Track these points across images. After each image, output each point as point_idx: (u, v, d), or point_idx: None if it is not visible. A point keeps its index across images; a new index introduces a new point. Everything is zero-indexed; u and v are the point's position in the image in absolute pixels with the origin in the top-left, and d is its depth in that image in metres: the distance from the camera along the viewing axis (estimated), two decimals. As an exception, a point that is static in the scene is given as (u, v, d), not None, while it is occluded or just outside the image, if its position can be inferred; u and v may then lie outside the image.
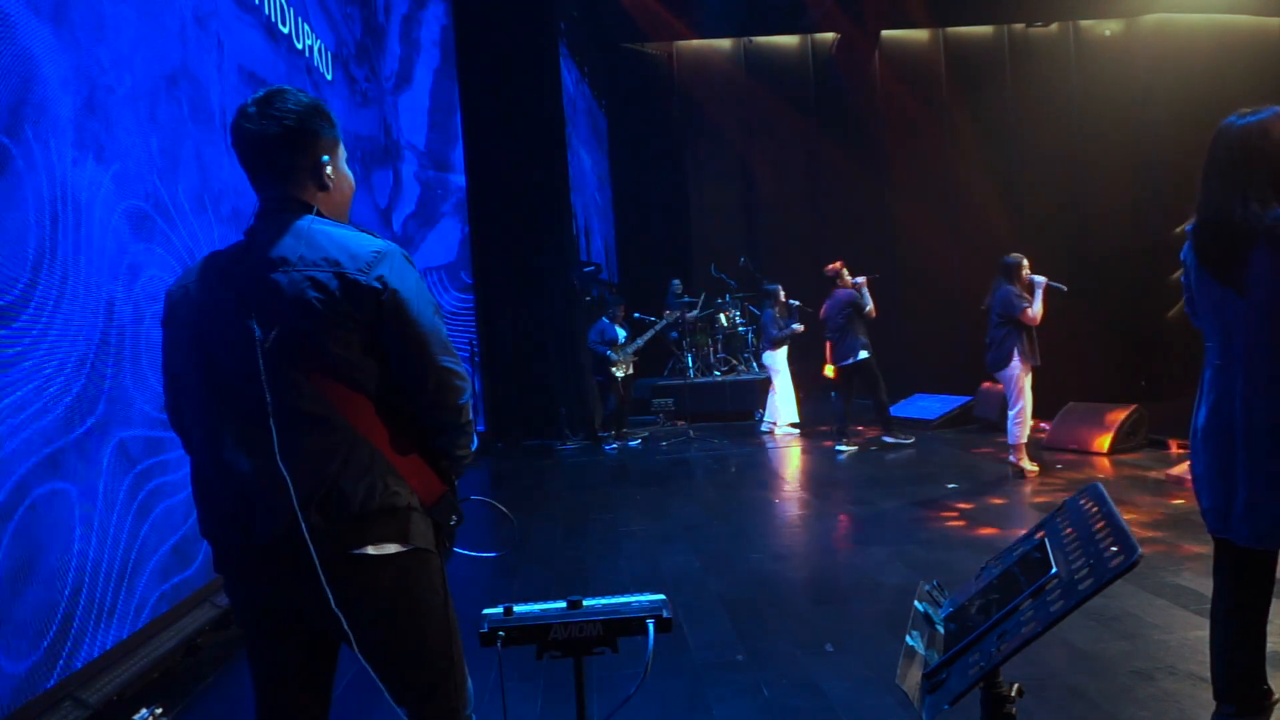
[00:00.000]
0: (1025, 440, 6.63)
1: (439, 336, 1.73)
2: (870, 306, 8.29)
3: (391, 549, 1.69)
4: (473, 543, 1.97)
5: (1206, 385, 2.70)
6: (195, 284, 1.76)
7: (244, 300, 1.68)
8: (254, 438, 1.68)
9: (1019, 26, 13.72)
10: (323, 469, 1.65)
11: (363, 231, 1.79)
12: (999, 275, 6.61)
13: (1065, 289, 6.59)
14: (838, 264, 8.55)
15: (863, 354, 8.19)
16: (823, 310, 8.53)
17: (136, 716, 3.09)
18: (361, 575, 1.67)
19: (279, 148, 1.75)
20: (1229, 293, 2.58)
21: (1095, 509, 1.60)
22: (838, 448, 8.30)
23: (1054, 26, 13.71)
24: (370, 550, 1.68)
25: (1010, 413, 6.61)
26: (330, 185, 1.82)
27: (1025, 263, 6.61)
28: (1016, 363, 6.45)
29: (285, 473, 1.64)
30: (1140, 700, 2.95)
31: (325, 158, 1.80)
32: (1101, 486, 1.67)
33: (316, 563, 1.62)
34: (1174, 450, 7.19)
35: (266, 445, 1.65)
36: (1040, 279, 6.54)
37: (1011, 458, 6.69)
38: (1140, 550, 1.35)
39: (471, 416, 1.81)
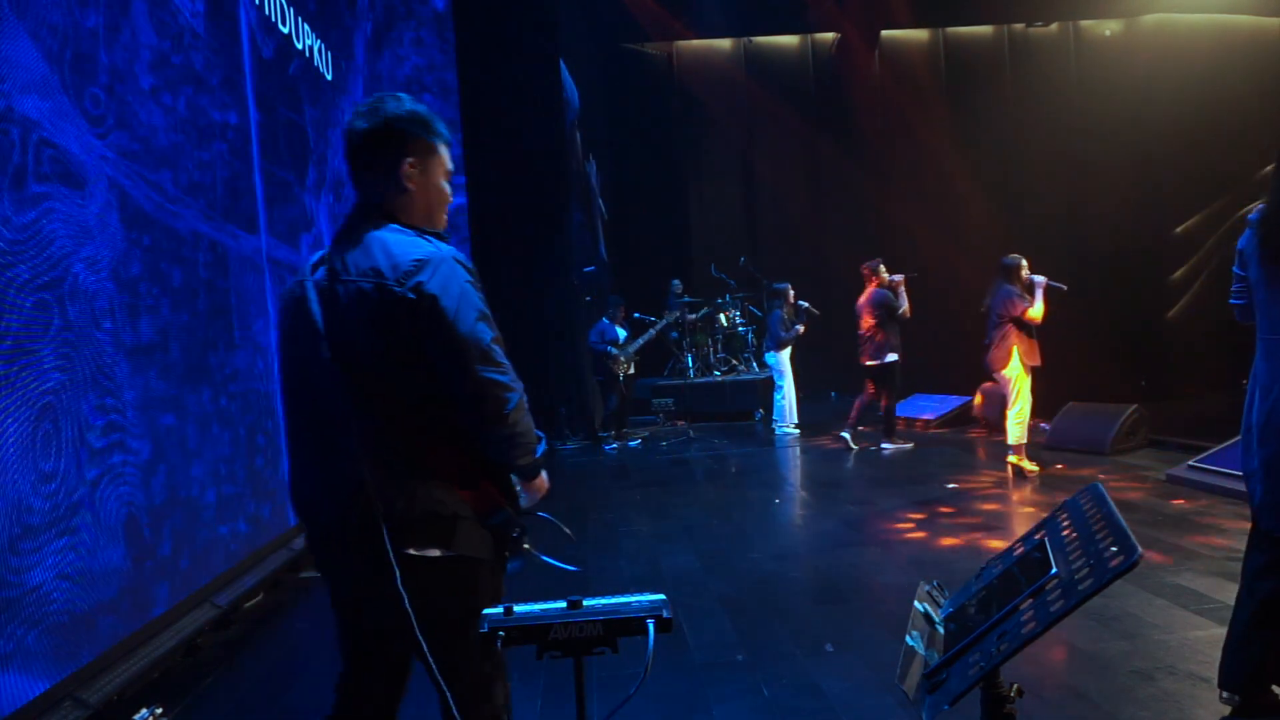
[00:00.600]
0: (1025, 440, 6.64)
1: (479, 345, 1.70)
2: (905, 307, 8.16)
3: (434, 553, 1.72)
4: (553, 553, 1.98)
5: (1265, 379, 2.62)
6: (295, 284, 1.85)
7: (314, 306, 1.76)
8: (314, 436, 1.79)
9: (1019, 26, 13.72)
10: (365, 473, 1.68)
11: (425, 237, 1.80)
12: (998, 276, 6.63)
13: (1065, 288, 6.60)
14: (876, 261, 8.44)
15: (891, 356, 8.13)
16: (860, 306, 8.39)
17: (136, 716, 3.09)
18: (404, 575, 1.68)
19: (364, 146, 1.82)
20: None
21: (1095, 509, 1.60)
22: (882, 445, 8.24)
23: (1054, 26, 13.70)
24: (412, 551, 1.71)
25: (1010, 413, 6.61)
26: (410, 189, 1.83)
27: (1024, 263, 6.62)
28: (1016, 362, 6.46)
29: (335, 473, 1.72)
30: (1140, 700, 2.95)
31: (409, 159, 1.82)
32: (1101, 486, 1.67)
33: (362, 558, 1.70)
34: (1175, 449, 7.17)
35: (322, 444, 1.76)
36: (1040, 278, 6.54)
37: (1011, 458, 6.69)
38: (1140, 550, 1.35)
39: (525, 426, 1.77)
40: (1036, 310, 6.41)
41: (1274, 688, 2.59)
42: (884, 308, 8.12)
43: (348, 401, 1.71)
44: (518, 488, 1.91)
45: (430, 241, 1.78)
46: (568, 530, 1.99)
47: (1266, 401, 2.58)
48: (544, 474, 1.93)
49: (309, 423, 1.82)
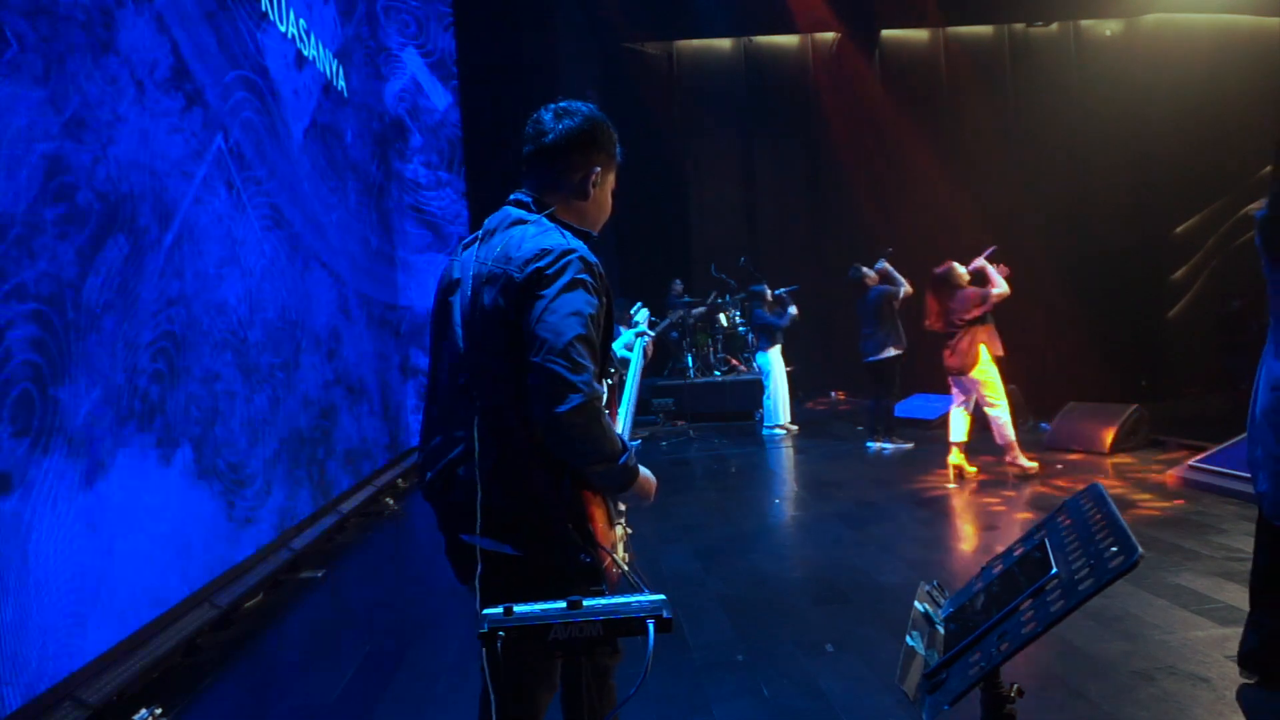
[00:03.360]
0: (1015, 437, 6.61)
1: (558, 336, 1.67)
2: (905, 287, 8.15)
3: (506, 549, 1.75)
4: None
5: (1268, 370, 2.65)
6: (451, 261, 1.94)
7: (455, 281, 1.87)
8: (433, 409, 1.88)
9: (1019, 26, 13.71)
10: (451, 454, 1.78)
11: (564, 232, 1.82)
12: (939, 289, 6.59)
13: (996, 248, 6.62)
14: (857, 268, 8.46)
15: (890, 351, 8.13)
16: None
17: (136, 716, 3.10)
18: (483, 561, 1.74)
19: (560, 146, 1.89)
20: None
21: (1095, 509, 1.60)
22: (882, 445, 8.24)
23: (1054, 26, 13.69)
24: (486, 545, 1.75)
25: (994, 413, 6.53)
26: (590, 193, 1.92)
27: (956, 265, 6.60)
28: (986, 358, 6.42)
29: (439, 446, 1.82)
30: (1140, 700, 2.95)
31: (597, 167, 1.91)
32: (1101, 486, 1.67)
33: (452, 536, 1.80)
34: (1175, 449, 7.17)
35: (439, 420, 1.84)
36: (979, 261, 6.54)
37: (1007, 458, 6.67)
38: (1140, 550, 1.35)
39: (588, 431, 1.67)
40: (1001, 288, 6.36)
41: None
42: (888, 303, 8.14)
43: (465, 383, 1.78)
44: (618, 515, 1.88)
45: (565, 236, 1.80)
46: (644, 588, 1.94)
47: (1271, 393, 2.61)
48: (644, 481, 1.85)
49: (444, 395, 1.87)
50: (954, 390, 6.82)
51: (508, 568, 1.75)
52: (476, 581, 1.70)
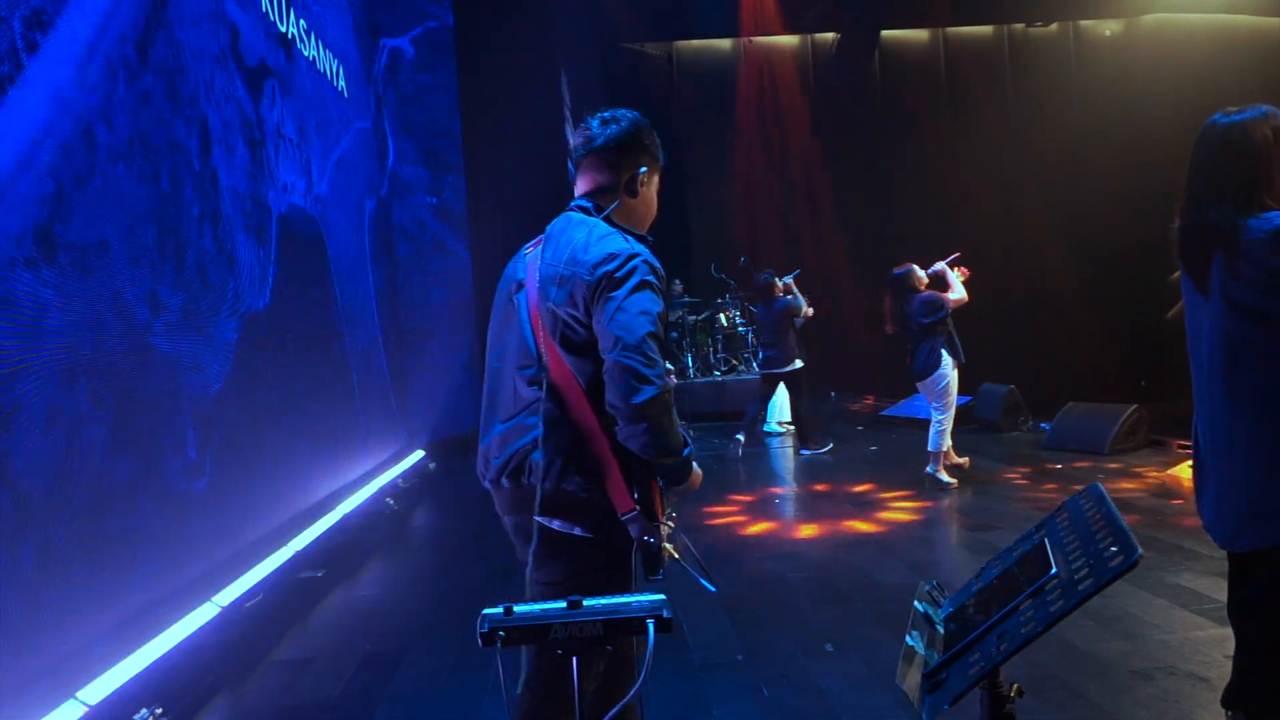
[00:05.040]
0: (948, 448, 6.49)
1: (631, 333, 1.79)
2: (805, 307, 8.27)
3: (576, 531, 1.87)
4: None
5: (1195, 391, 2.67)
6: (514, 262, 2.08)
7: (519, 281, 2.00)
8: (495, 400, 2.00)
9: (1019, 26, 13.73)
10: (522, 441, 1.89)
11: (627, 237, 1.93)
12: (895, 291, 6.46)
13: (959, 254, 6.53)
14: (769, 273, 8.47)
15: (798, 364, 8.14)
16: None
17: (136, 716, 3.10)
18: (543, 544, 1.87)
19: (610, 149, 2.03)
20: (1199, 297, 2.54)
21: (1095, 509, 1.60)
22: (801, 450, 8.30)
23: (1054, 26, 13.71)
24: (556, 525, 1.87)
25: (938, 418, 6.33)
26: (639, 193, 2.07)
27: (915, 267, 6.46)
28: (948, 362, 6.23)
29: (499, 435, 1.94)
30: (1140, 700, 2.95)
31: (644, 169, 2.07)
32: (1101, 486, 1.67)
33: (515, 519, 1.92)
34: (1175, 449, 7.18)
35: (503, 409, 1.96)
36: (939, 265, 6.42)
37: (929, 469, 6.45)
38: (1140, 550, 1.35)
39: (659, 423, 1.80)
40: (959, 294, 6.22)
41: None
42: (789, 316, 8.12)
43: (528, 375, 1.91)
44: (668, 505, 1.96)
45: (628, 240, 1.92)
46: (710, 586, 2.00)
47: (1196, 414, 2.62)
48: (696, 474, 2.01)
49: (508, 387, 1.99)
50: (925, 396, 6.60)
51: (576, 548, 1.88)
52: (530, 556, 1.83)
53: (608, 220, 1.98)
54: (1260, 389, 2.38)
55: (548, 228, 2.03)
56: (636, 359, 1.77)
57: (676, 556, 1.94)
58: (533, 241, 2.06)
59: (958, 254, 6.55)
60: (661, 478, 1.92)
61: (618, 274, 1.83)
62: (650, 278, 1.86)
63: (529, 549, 1.86)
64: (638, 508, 1.84)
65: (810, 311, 8.42)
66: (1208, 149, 2.53)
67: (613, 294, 1.82)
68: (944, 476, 6.43)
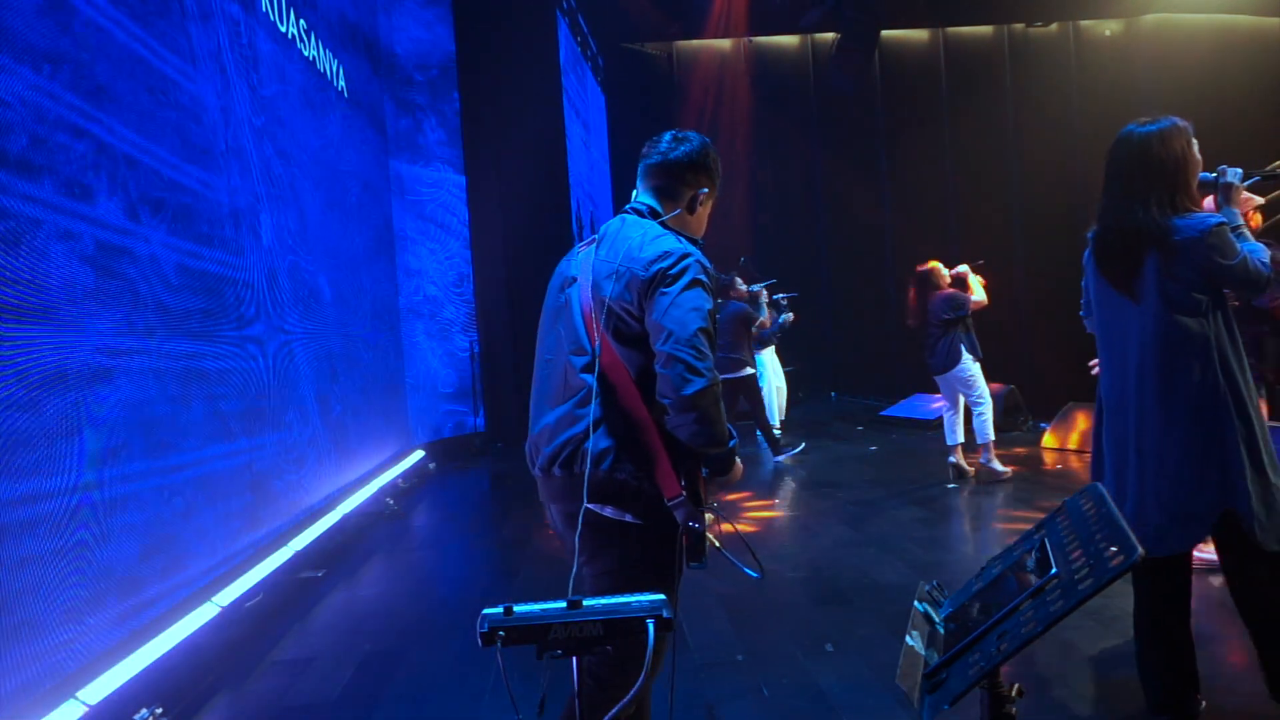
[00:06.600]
0: (994, 439, 6.64)
1: (683, 328, 1.87)
2: (764, 319, 8.29)
3: (627, 518, 1.93)
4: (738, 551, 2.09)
5: (1102, 393, 2.70)
6: (567, 260, 2.19)
7: (572, 277, 2.11)
8: (546, 390, 2.08)
9: (1019, 26, 13.72)
10: (574, 430, 1.96)
11: (680, 239, 2.02)
12: (920, 288, 6.64)
13: (982, 262, 6.77)
14: (731, 275, 8.38)
15: (748, 370, 7.93)
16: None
17: (136, 716, 3.10)
18: (594, 532, 1.93)
19: (680, 166, 2.14)
20: (1126, 301, 2.57)
21: (1095, 509, 1.60)
22: (775, 459, 8.08)
23: (1054, 26, 13.70)
24: (608, 513, 1.94)
25: (979, 410, 6.56)
26: (697, 211, 2.16)
27: (940, 266, 6.67)
28: (967, 358, 6.47)
29: (549, 425, 2.01)
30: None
31: (704, 189, 2.16)
32: (1101, 487, 1.67)
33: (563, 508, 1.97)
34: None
35: (553, 399, 2.03)
36: (963, 267, 6.65)
37: (981, 458, 6.64)
38: (1140, 550, 1.35)
39: (708, 414, 1.87)
40: (980, 296, 6.49)
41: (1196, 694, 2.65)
42: (743, 322, 7.97)
43: (581, 367, 1.98)
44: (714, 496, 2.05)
45: (681, 241, 2.01)
46: (752, 573, 2.10)
47: (1100, 417, 2.69)
48: (738, 466, 2.09)
49: (543, 378, 2.10)
50: (941, 391, 6.81)
51: (628, 535, 1.95)
52: (577, 540, 1.87)
53: (663, 225, 2.07)
54: (1197, 388, 2.43)
55: (601, 228, 2.12)
56: (688, 352, 1.85)
57: (718, 545, 2.02)
58: (585, 240, 2.16)
59: (981, 261, 6.78)
60: (707, 467, 2.00)
61: (672, 271, 1.91)
62: (702, 276, 1.94)
63: (575, 535, 1.91)
64: (684, 493, 1.91)
65: (764, 321, 8.31)
66: (1126, 157, 2.59)
67: (666, 290, 1.90)
68: (997, 465, 6.59)
